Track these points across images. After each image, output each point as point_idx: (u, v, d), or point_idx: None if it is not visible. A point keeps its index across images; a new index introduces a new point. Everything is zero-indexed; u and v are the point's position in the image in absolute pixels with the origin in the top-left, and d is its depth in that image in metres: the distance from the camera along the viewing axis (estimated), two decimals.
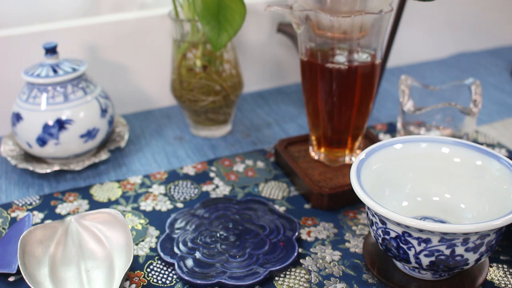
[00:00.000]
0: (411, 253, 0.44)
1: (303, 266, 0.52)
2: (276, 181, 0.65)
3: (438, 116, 0.68)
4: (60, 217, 0.59)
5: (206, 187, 0.64)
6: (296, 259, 0.52)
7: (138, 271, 0.51)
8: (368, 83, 0.59)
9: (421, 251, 0.44)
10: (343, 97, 0.59)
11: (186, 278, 0.49)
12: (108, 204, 0.61)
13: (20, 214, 0.59)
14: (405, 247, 0.44)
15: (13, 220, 0.59)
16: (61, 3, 0.78)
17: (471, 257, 0.44)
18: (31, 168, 0.64)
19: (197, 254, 0.52)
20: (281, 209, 0.60)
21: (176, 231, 0.55)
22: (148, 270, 0.52)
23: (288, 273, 0.51)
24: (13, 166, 0.68)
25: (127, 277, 0.51)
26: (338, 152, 0.63)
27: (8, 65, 0.73)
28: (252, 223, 0.56)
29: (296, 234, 0.54)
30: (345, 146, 0.63)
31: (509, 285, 0.49)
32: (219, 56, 0.69)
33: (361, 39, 0.56)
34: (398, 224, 0.43)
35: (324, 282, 0.50)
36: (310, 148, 0.66)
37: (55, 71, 0.64)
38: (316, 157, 0.65)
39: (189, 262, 0.51)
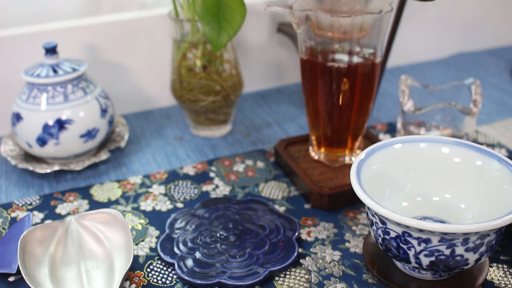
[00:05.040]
0: (411, 253, 0.44)
1: (303, 266, 0.52)
2: (276, 181, 0.65)
3: (438, 116, 0.68)
4: (60, 217, 0.59)
5: (206, 187, 0.64)
6: (296, 259, 0.52)
7: (138, 271, 0.51)
8: (368, 82, 0.59)
9: (421, 251, 0.44)
10: (343, 97, 0.59)
11: (186, 278, 0.49)
12: (108, 204, 0.61)
13: (20, 214, 0.59)
14: (405, 247, 0.44)
15: (13, 220, 0.59)
16: (61, 3, 0.78)
17: (471, 257, 0.44)
18: (31, 168, 0.64)
19: (197, 254, 0.52)
20: (281, 209, 0.60)
21: (176, 231, 0.55)
22: (148, 270, 0.52)
23: (288, 273, 0.51)
24: (13, 166, 0.68)
25: (127, 277, 0.51)
26: (338, 152, 0.63)
27: (8, 65, 0.73)
28: (252, 223, 0.56)
29: (296, 234, 0.54)
30: (345, 146, 0.63)
31: (509, 285, 0.49)
32: (219, 56, 0.69)
33: (361, 38, 0.56)
34: (398, 224, 0.43)
35: (324, 282, 0.50)
36: (310, 148, 0.66)
37: (55, 71, 0.64)
38: (316, 157, 0.65)
39: (189, 262, 0.51)
